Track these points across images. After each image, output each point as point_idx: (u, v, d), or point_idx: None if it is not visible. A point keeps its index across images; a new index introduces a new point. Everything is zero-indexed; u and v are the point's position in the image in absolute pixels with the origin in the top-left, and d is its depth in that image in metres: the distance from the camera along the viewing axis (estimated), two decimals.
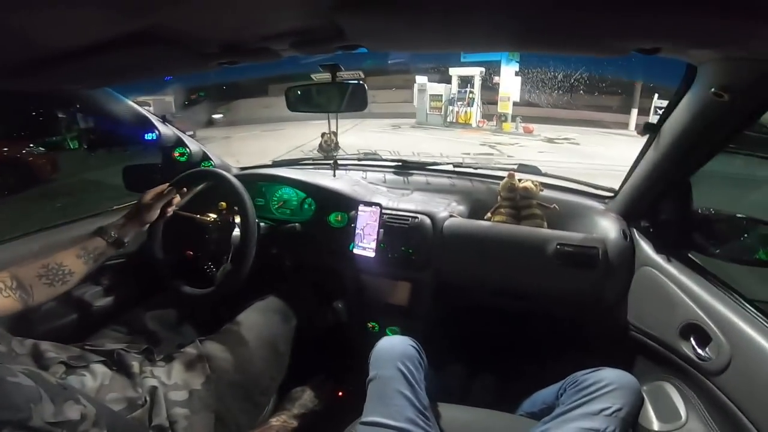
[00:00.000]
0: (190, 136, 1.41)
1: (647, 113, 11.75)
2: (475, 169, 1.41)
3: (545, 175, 1.28)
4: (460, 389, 1.28)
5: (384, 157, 1.56)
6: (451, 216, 1.17)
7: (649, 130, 0.89)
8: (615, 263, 0.98)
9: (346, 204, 1.22)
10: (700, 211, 0.90)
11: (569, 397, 0.78)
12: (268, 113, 13.65)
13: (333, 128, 1.22)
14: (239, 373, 0.92)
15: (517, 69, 12.00)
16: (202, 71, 0.88)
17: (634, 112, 13.27)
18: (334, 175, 1.40)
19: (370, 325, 1.25)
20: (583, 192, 1.25)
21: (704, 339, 0.76)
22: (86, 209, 1.35)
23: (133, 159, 1.42)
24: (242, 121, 13.13)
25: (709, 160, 0.83)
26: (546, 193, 1.19)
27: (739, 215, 0.86)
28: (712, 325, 0.75)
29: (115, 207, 1.36)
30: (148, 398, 0.76)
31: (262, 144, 8.55)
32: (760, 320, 0.71)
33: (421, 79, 13.17)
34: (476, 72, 12.67)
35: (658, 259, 0.92)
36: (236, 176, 1.12)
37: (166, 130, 1.29)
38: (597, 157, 7.59)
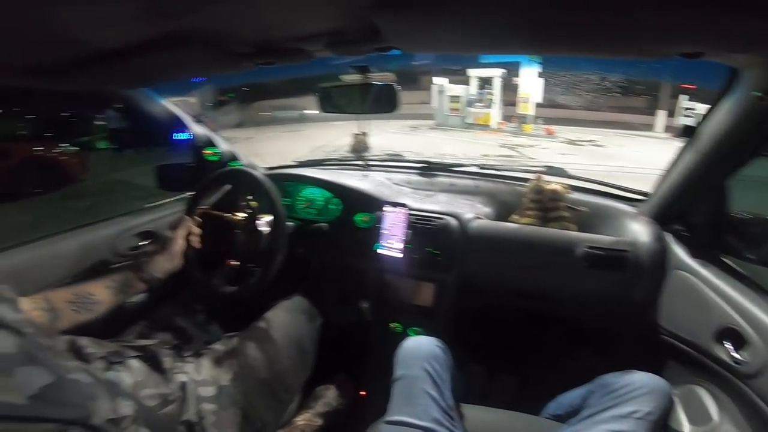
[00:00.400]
0: None
1: (674, 114, 11.36)
2: (500, 171, 1.40)
3: (574, 177, 1.26)
4: (481, 390, 1.27)
5: (408, 159, 1.56)
6: (476, 217, 1.17)
7: (687, 133, 0.87)
8: (646, 267, 0.97)
9: (372, 204, 1.23)
10: (735, 215, 0.88)
11: (598, 399, 0.77)
12: (289, 114, 13.90)
13: (363, 129, 1.23)
14: (265, 370, 0.93)
15: (539, 70, 11.81)
16: (239, 72, 0.90)
17: (661, 113, 12.84)
18: (365, 176, 1.41)
19: (392, 325, 1.25)
20: (613, 195, 1.23)
21: (740, 342, 0.75)
22: (129, 207, 1.41)
23: (167, 158, 1.46)
24: (263, 122, 13.39)
25: (748, 163, 0.81)
26: (574, 195, 1.18)
27: None
28: (749, 329, 0.74)
29: (146, 206, 1.43)
30: (178, 394, 0.78)
31: (283, 145, 8.69)
32: None
33: (440, 80, 13.13)
34: (496, 73, 12.53)
35: (693, 263, 0.91)
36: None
37: (198, 129, 1.33)
38: (622, 159, 7.39)
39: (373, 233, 1.21)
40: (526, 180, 1.25)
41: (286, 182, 1.37)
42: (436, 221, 1.15)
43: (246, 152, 1.54)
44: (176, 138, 1.31)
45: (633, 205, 1.16)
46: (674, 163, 0.95)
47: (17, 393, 0.44)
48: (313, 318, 1.13)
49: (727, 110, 0.76)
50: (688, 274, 0.91)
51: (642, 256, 0.97)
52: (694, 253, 0.93)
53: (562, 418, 0.85)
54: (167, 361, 0.83)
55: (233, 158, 1.42)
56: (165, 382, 0.78)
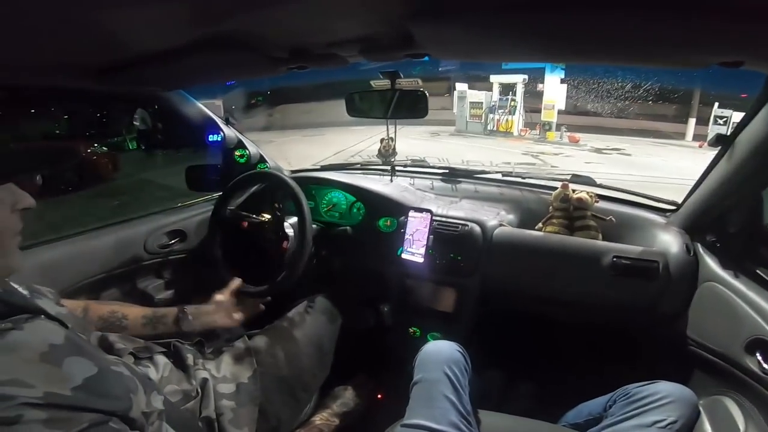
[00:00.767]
0: None
1: (706, 123, 10.93)
2: (525, 178, 1.40)
3: (601, 186, 1.25)
4: (499, 396, 1.26)
5: (432, 164, 1.58)
6: (501, 225, 1.17)
7: (722, 142, 0.86)
8: (676, 278, 0.95)
9: (396, 209, 1.25)
10: None
11: (620, 408, 0.76)
12: (309, 119, 14.11)
13: (391, 134, 1.26)
14: (285, 369, 0.94)
15: (563, 76, 11.61)
16: (272, 75, 0.93)
17: (692, 121, 12.40)
18: (391, 181, 1.43)
19: (411, 330, 1.26)
20: (642, 204, 1.21)
21: None
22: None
23: (199, 159, 1.51)
24: (285, 126, 13.65)
25: None
26: (601, 204, 1.16)
27: None
28: None
29: (179, 204, 1.48)
30: (199, 390, 0.79)
31: (304, 149, 8.84)
32: None
33: (461, 86, 13.05)
34: (519, 79, 12.38)
35: (725, 274, 0.89)
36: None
37: (228, 132, 1.38)
38: (651, 168, 7.17)
39: (395, 238, 1.22)
40: (551, 188, 1.25)
41: (311, 185, 1.41)
42: (460, 227, 1.16)
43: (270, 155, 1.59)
44: (209, 139, 1.36)
45: (662, 215, 1.14)
46: (707, 173, 0.94)
47: (63, 384, 0.45)
48: (334, 319, 1.15)
49: (763, 118, 0.75)
50: (718, 285, 0.89)
51: (672, 266, 0.96)
52: (726, 264, 0.92)
53: (581, 427, 0.84)
54: (190, 358, 0.84)
55: (261, 161, 1.46)
56: (187, 379, 0.80)
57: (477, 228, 1.15)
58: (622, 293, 1.00)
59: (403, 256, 1.20)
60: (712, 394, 0.86)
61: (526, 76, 12.38)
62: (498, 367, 1.30)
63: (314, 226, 1.25)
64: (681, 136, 12.08)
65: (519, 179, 1.40)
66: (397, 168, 1.51)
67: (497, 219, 1.20)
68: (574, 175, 1.25)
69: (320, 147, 9.43)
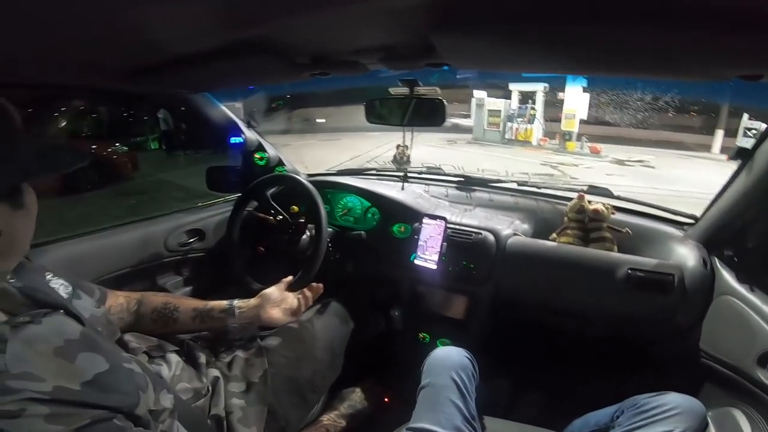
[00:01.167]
0: None
1: (734, 135, 10.57)
2: (540, 188, 1.41)
3: (617, 197, 1.24)
4: (506, 403, 1.27)
5: (447, 172, 1.60)
6: (515, 234, 1.18)
7: (742, 155, 0.86)
8: (692, 291, 0.96)
9: (410, 216, 1.27)
10: None
11: (628, 419, 0.76)
12: (326, 123, 14.30)
13: (406, 142, 1.28)
14: (295, 370, 0.95)
15: (585, 85, 11.45)
16: (295, 81, 0.96)
17: (719, 133, 12.02)
18: (403, 188, 1.46)
19: (421, 335, 1.28)
20: (659, 217, 1.21)
21: None
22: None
23: (217, 160, 1.55)
24: (303, 130, 13.87)
25: None
26: (618, 216, 1.16)
27: None
28: None
29: (200, 204, 1.53)
30: (210, 388, 0.81)
31: (320, 153, 8.96)
32: None
33: (479, 94, 13.00)
34: (539, 87, 12.29)
35: (741, 288, 0.90)
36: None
37: (250, 134, 1.43)
38: (676, 182, 6.95)
39: (409, 244, 1.24)
40: (567, 199, 1.25)
41: (327, 189, 1.44)
42: (474, 235, 1.18)
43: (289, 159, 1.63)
44: (231, 141, 1.41)
45: (680, 229, 1.14)
46: (726, 186, 0.94)
47: (74, 379, 0.46)
48: (345, 322, 1.17)
49: None
50: (734, 299, 0.90)
51: (687, 280, 0.96)
52: (743, 278, 0.92)
53: None
54: (202, 356, 0.86)
55: (279, 163, 1.51)
56: (199, 377, 0.81)
57: (491, 237, 1.16)
58: (636, 306, 1.00)
59: (416, 262, 1.22)
60: (721, 405, 0.86)
61: (547, 85, 12.28)
62: (505, 374, 1.30)
63: (329, 229, 1.28)
64: (707, 148, 11.72)
65: (534, 189, 1.41)
66: (410, 175, 1.53)
67: (511, 228, 1.21)
68: (590, 186, 1.26)
69: (336, 151, 9.54)
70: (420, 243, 1.22)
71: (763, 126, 0.86)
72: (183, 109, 1.32)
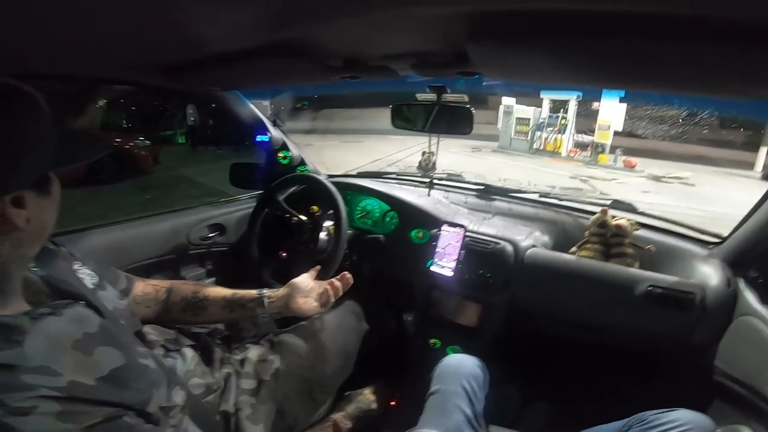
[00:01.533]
0: None
1: None
2: (561, 200, 1.42)
3: (642, 213, 1.25)
4: (513, 412, 1.28)
5: (468, 180, 1.63)
6: (533, 246, 1.20)
7: None
8: (712, 311, 0.96)
9: (429, 222, 1.31)
10: None
11: None
12: (350, 125, 14.45)
13: (432, 148, 1.31)
14: (307, 370, 0.97)
15: (623, 95, 11.14)
16: (325, 83, 0.98)
17: (764, 150, 11.45)
18: (429, 194, 1.49)
19: (432, 341, 1.30)
20: (683, 235, 1.21)
21: None
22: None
23: (239, 157, 1.61)
24: (326, 131, 14.07)
25: None
26: (641, 232, 1.17)
27: None
28: None
29: (222, 199, 1.60)
30: (221, 384, 0.82)
31: (341, 155, 9.07)
32: None
33: (508, 101, 12.75)
34: (572, 96, 12.03)
35: (762, 309, 0.90)
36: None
37: (275, 133, 1.50)
38: (716, 202, 6.64)
39: (426, 250, 1.28)
40: (589, 212, 1.27)
41: (346, 191, 1.48)
42: (492, 245, 1.20)
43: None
44: (257, 139, 1.48)
45: (705, 248, 1.14)
46: (757, 207, 0.94)
47: (89, 373, 0.47)
48: (359, 324, 1.20)
49: None
50: (756, 320, 0.90)
51: (709, 299, 0.97)
52: (766, 299, 0.92)
53: None
54: (217, 352, 0.88)
55: (301, 163, 1.58)
56: (212, 372, 0.83)
57: (509, 247, 1.18)
58: (654, 322, 1.01)
59: (432, 268, 1.25)
60: (730, 422, 0.87)
61: (580, 93, 12.00)
62: (514, 384, 1.31)
63: (348, 231, 1.32)
64: (749, 166, 11.19)
65: (557, 201, 1.42)
66: (432, 180, 1.56)
67: (530, 239, 1.23)
68: (615, 201, 1.26)
69: (358, 154, 9.62)
70: (438, 250, 1.25)
71: None
72: (213, 105, 1.40)
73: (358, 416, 1.20)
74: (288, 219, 1.35)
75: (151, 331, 0.79)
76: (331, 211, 1.25)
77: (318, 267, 1.05)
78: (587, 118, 12.05)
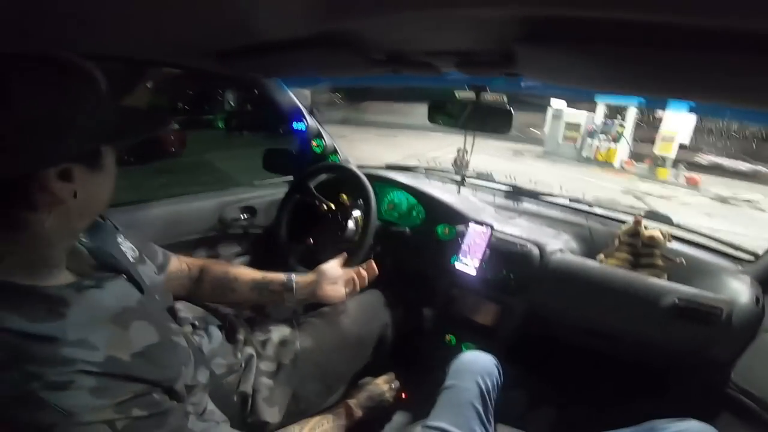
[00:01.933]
0: None
1: None
2: (592, 206, 1.43)
3: (677, 226, 1.26)
4: (523, 414, 1.31)
5: (497, 180, 1.66)
6: (561, 250, 1.23)
7: None
8: (737, 327, 0.97)
9: (456, 218, 1.35)
10: None
11: None
12: (387, 119, 14.53)
13: (467, 147, 1.34)
14: (325, 357, 1.01)
15: (692, 105, 10.32)
16: (366, 75, 1.03)
17: None
18: (459, 192, 1.54)
19: (447, 337, 1.35)
20: (717, 250, 1.22)
21: None
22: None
23: (273, 143, 1.70)
24: (362, 123, 14.26)
25: None
26: (674, 245, 1.18)
27: None
28: None
29: (255, 183, 1.71)
30: (243, 365, 0.86)
31: (374, 149, 9.13)
32: None
33: (557, 103, 12.14)
34: (632, 102, 11.36)
35: None
36: None
37: (311, 122, 1.59)
38: None
39: (451, 246, 1.32)
40: (620, 221, 1.28)
41: (375, 182, 1.52)
42: (518, 246, 1.23)
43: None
44: (293, 126, 1.58)
45: (737, 264, 1.15)
46: None
47: (125, 349, 0.48)
48: (379, 315, 1.25)
49: None
50: None
51: (735, 315, 0.97)
52: None
53: None
54: (242, 333, 0.92)
55: (333, 152, 1.67)
56: (234, 353, 0.86)
57: (535, 250, 1.21)
58: (677, 335, 1.02)
59: (456, 265, 1.29)
60: None
61: (642, 100, 11.29)
62: (525, 386, 1.34)
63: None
64: None
65: (586, 207, 1.44)
66: (464, 178, 1.60)
67: (559, 243, 1.25)
68: (648, 211, 1.27)
69: (391, 149, 9.64)
70: (463, 247, 1.29)
71: None
72: (255, 91, 1.49)
73: (369, 405, 1.25)
74: (317, 206, 1.44)
75: (182, 308, 0.84)
76: (361, 201, 1.32)
77: (345, 255, 1.11)
78: (648, 128, 11.35)
